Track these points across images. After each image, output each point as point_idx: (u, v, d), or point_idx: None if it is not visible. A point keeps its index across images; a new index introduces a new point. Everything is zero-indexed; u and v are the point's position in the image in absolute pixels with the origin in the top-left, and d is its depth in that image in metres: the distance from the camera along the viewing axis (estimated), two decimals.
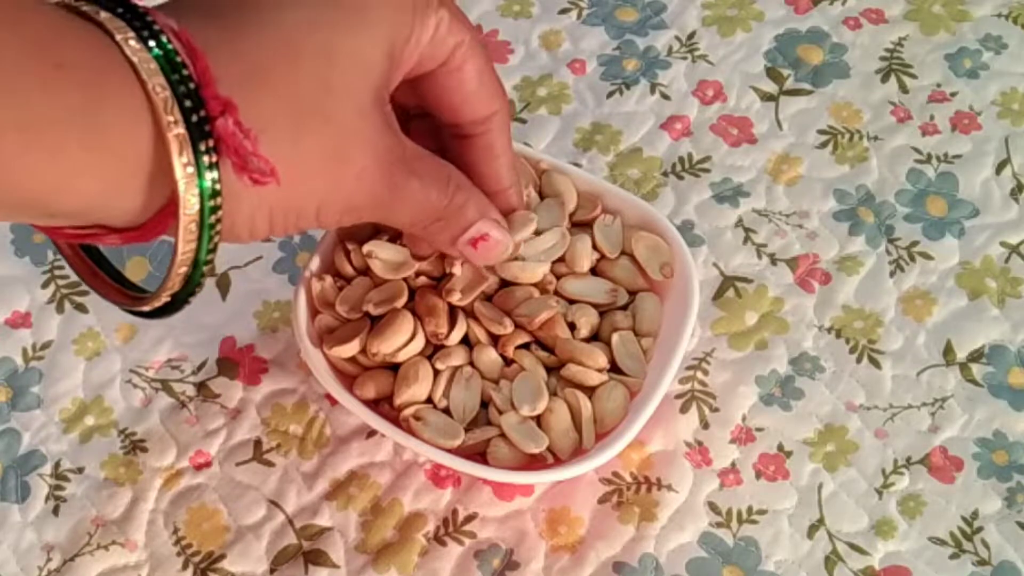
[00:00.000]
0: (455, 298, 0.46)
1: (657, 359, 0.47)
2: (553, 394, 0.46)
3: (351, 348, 0.45)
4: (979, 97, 0.59)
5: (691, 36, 0.61)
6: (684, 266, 0.48)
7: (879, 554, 0.47)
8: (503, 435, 0.45)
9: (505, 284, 0.48)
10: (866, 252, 0.54)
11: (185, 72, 0.32)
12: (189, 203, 0.33)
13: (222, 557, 0.47)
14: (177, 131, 0.32)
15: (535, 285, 0.47)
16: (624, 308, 0.48)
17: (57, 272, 0.53)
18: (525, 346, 0.47)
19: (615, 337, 0.47)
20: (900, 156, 0.57)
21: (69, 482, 0.48)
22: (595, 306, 0.48)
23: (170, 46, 0.32)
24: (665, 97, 0.59)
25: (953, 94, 0.59)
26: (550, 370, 0.47)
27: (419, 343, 0.45)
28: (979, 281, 0.54)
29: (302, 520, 0.48)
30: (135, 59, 0.32)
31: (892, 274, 0.54)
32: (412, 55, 0.39)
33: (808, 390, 0.51)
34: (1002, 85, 0.59)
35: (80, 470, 0.49)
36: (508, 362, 0.47)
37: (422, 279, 0.47)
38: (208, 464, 0.49)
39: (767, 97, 0.59)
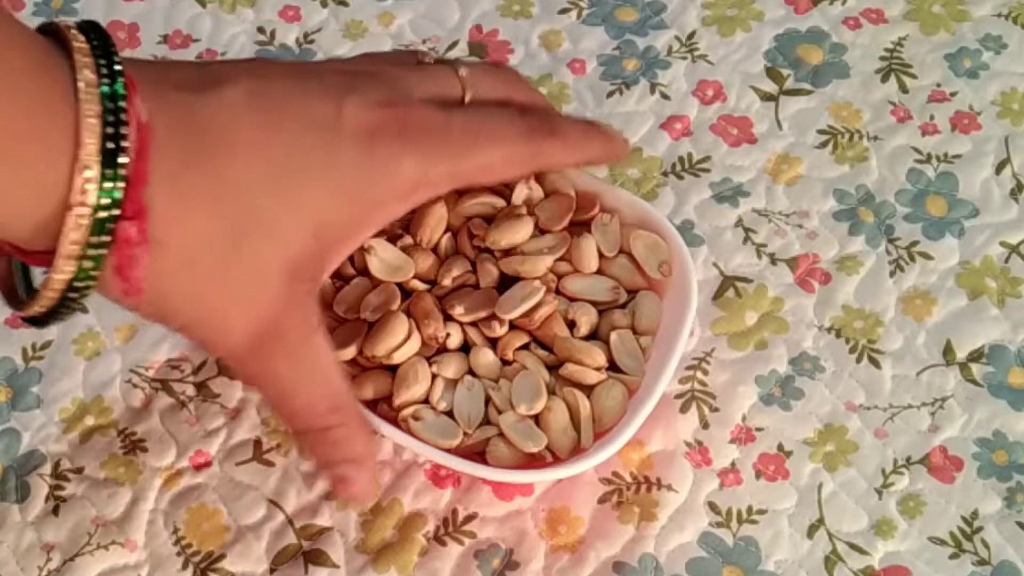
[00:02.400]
0: (457, 312, 0.46)
1: (656, 357, 0.47)
2: (552, 393, 0.46)
3: (348, 352, 0.45)
4: (979, 97, 0.59)
5: (691, 36, 0.61)
6: (682, 264, 0.48)
7: (879, 554, 0.47)
8: (502, 434, 0.45)
9: (505, 279, 0.48)
10: (866, 252, 0.54)
11: (123, 143, 0.33)
12: (78, 222, 0.33)
13: (222, 557, 0.47)
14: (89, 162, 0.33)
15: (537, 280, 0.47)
16: (623, 307, 0.48)
17: None
18: (524, 347, 0.47)
19: (614, 336, 0.47)
20: (900, 156, 0.57)
21: (69, 482, 0.48)
22: (596, 304, 0.48)
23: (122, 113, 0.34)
24: (665, 97, 0.59)
25: (953, 94, 0.59)
26: (549, 369, 0.47)
27: (415, 344, 0.46)
28: (979, 281, 0.54)
29: (302, 520, 0.48)
30: (85, 99, 0.33)
31: (892, 274, 0.54)
32: (352, 242, 0.39)
33: (808, 390, 0.51)
34: (1002, 85, 0.59)
35: (80, 470, 0.49)
36: (507, 361, 0.47)
37: (417, 282, 0.47)
38: (208, 464, 0.49)
39: (767, 97, 0.59)
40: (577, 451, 0.45)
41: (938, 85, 0.59)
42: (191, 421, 0.50)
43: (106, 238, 0.33)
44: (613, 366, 0.47)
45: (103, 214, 0.33)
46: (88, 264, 0.34)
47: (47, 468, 0.49)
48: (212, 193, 0.35)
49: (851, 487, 0.49)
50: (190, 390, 0.51)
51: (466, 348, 0.47)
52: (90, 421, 0.50)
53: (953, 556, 0.47)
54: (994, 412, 0.50)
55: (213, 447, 0.49)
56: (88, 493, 0.48)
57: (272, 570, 0.47)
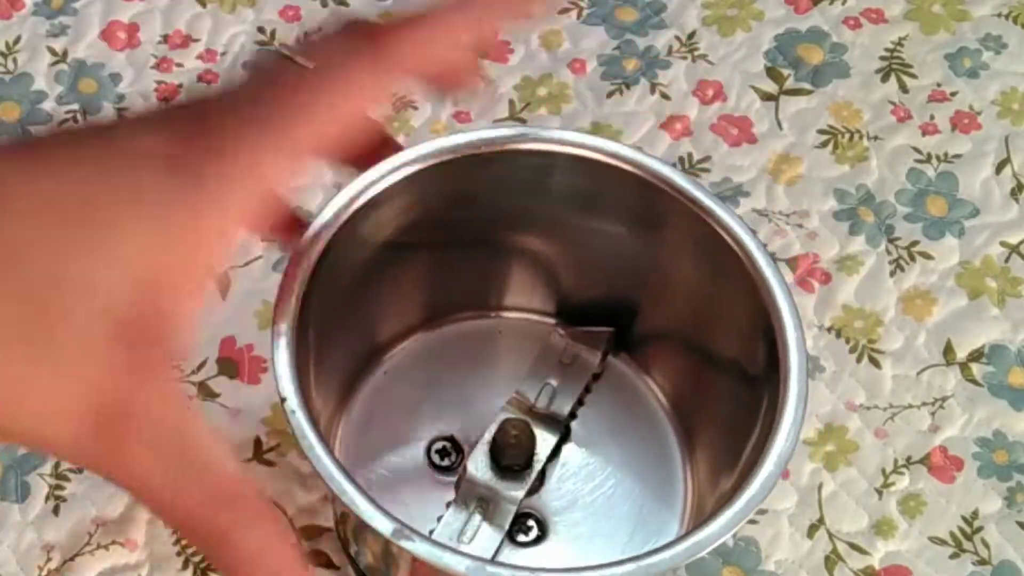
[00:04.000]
0: None
1: None
2: None
3: None
4: (979, 97, 0.59)
5: (691, 36, 0.61)
6: None
7: (879, 554, 0.47)
8: None
9: None
10: (866, 252, 0.54)
11: None
12: None
13: None
14: None
15: None
16: None
17: None
18: None
19: None
20: (900, 156, 0.57)
21: (69, 481, 0.48)
22: None
23: None
24: (665, 97, 0.59)
25: (953, 94, 0.59)
26: None
27: None
28: (979, 281, 0.54)
29: (302, 520, 0.48)
30: None
31: (892, 274, 0.54)
32: (191, 287, 0.31)
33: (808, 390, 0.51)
34: (1002, 85, 0.59)
35: (80, 470, 0.49)
36: None
37: None
38: None
39: (767, 97, 0.59)
40: None
41: (938, 85, 0.59)
42: None
43: None
44: None
45: None
46: None
47: (47, 468, 0.49)
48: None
49: (851, 487, 0.49)
50: (190, 390, 0.50)
51: None
52: None
53: (953, 556, 0.47)
54: (994, 412, 0.50)
55: None
56: (88, 493, 0.48)
57: None
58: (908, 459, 0.49)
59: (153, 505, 0.31)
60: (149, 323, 0.30)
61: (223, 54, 0.60)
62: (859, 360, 0.52)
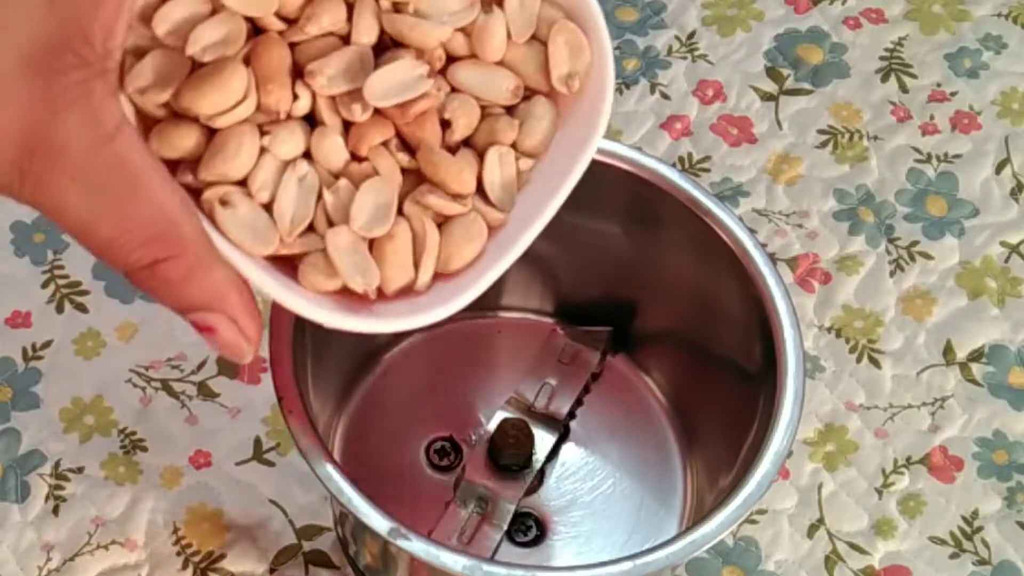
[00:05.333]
0: (319, 83, 0.33)
1: (533, 193, 0.35)
2: (400, 213, 0.34)
3: (160, 96, 0.32)
4: (979, 97, 0.59)
5: (691, 36, 0.61)
6: (600, 80, 0.35)
7: (879, 554, 0.47)
8: (325, 252, 0.33)
9: (383, 43, 0.34)
10: (866, 252, 0.54)
11: None
12: None
13: (222, 557, 0.47)
14: None
15: (420, 54, 0.34)
16: (509, 110, 0.36)
17: (57, 272, 0.53)
18: (383, 143, 0.34)
19: (492, 153, 0.34)
20: (900, 156, 0.57)
21: (69, 482, 0.48)
22: (482, 104, 0.35)
23: None
24: (665, 97, 0.59)
25: (953, 94, 0.59)
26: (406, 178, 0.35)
27: (248, 107, 0.32)
28: (979, 281, 0.54)
29: (302, 520, 0.48)
30: None
31: (892, 274, 0.54)
32: None
33: (808, 390, 0.51)
34: (1002, 85, 0.59)
35: (80, 470, 0.49)
36: (357, 157, 0.34)
37: (274, 20, 0.33)
38: (208, 464, 0.49)
39: (767, 97, 0.59)
40: (408, 293, 0.34)
41: (938, 85, 0.59)
42: (191, 421, 0.50)
43: None
44: (479, 189, 0.35)
45: None
46: None
47: (47, 468, 0.49)
48: None
49: (851, 487, 0.49)
50: (190, 390, 0.51)
51: (310, 121, 0.34)
52: (90, 421, 0.50)
53: (953, 556, 0.47)
54: (994, 412, 0.50)
55: (213, 447, 0.49)
56: (88, 493, 0.48)
57: (272, 570, 0.47)
58: (908, 459, 0.49)
59: (72, 231, 0.30)
60: (64, 45, 0.29)
61: None
62: (859, 360, 0.52)
